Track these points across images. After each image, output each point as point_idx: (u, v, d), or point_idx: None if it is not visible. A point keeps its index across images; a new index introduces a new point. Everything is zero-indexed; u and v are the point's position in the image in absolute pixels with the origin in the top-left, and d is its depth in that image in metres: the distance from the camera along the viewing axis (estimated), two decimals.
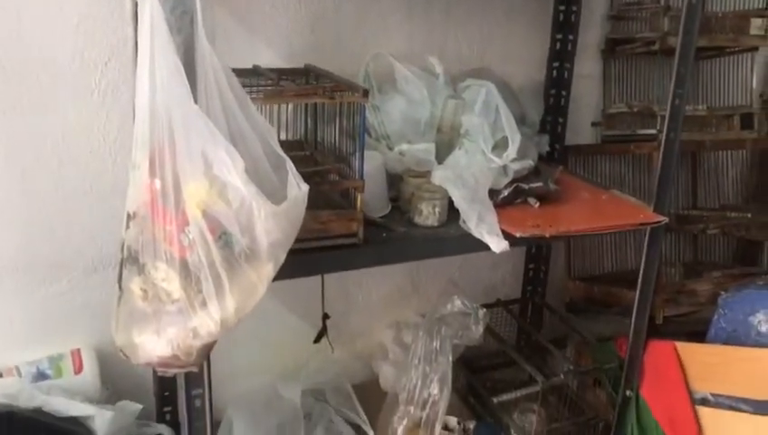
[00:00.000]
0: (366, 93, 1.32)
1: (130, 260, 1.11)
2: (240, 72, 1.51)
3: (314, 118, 1.59)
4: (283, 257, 1.13)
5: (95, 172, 1.61)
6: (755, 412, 1.66)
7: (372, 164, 1.52)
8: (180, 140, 1.04)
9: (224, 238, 1.06)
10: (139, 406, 1.61)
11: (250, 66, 1.56)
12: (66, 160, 1.58)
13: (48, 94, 1.52)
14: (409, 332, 1.95)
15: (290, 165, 1.14)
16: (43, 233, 1.60)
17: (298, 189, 1.13)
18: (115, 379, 1.72)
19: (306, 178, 1.17)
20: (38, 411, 1.48)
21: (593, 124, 2.08)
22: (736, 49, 2.03)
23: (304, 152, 1.60)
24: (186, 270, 1.08)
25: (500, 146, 1.64)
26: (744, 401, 1.68)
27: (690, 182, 2.22)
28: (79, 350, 1.65)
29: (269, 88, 1.33)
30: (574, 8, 1.91)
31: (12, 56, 1.47)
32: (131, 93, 1.54)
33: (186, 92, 1.05)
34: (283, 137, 1.59)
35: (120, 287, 1.15)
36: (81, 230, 1.63)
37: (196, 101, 1.07)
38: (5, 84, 1.48)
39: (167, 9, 1.09)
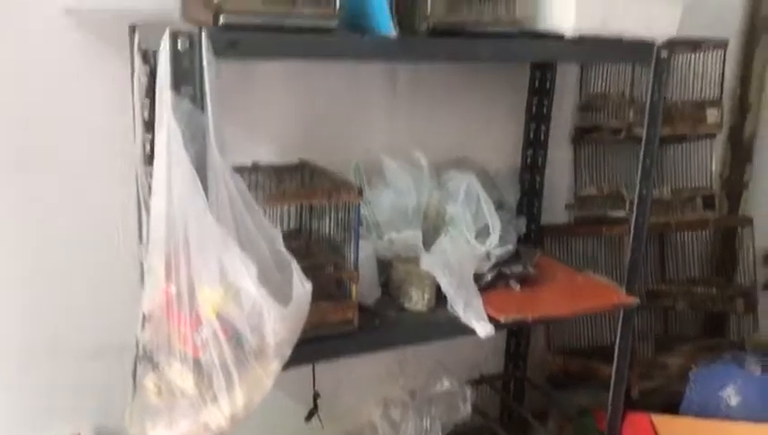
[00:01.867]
0: (360, 192, 1.43)
1: (145, 358, 1.19)
2: (241, 169, 1.63)
3: (309, 210, 1.69)
4: (288, 353, 1.22)
5: (99, 261, 1.69)
6: None
7: (364, 253, 1.62)
8: (196, 249, 1.13)
9: (235, 338, 1.15)
10: None
11: (249, 163, 1.67)
12: (74, 246, 1.65)
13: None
14: (397, 409, 2.02)
15: (295, 265, 1.23)
16: (47, 316, 1.66)
17: (302, 288, 1.22)
18: None
19: (305, 270, 1.27)
20: None
21: (567, 206, 2.21)
22: (696, 136, 2.19)
23: (300, 242, 1.69)
24: (199, 368, 1.15)
25: (482, 233, 1.76)
26: None
27: (658, 258, 2.35)
28: (80, 434, 1.69)
29: (271, 190, 1.43)
30: (546, 101, 2.06)
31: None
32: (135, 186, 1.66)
33: (202, 204, 1.15)
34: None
35: (134, 383, 1.22)
36: (83, 316, 1.69)
37: (209, 210, 1.16)
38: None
39: (182, 125, 1.20)
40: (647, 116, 1.70)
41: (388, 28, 1.32)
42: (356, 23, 1.41)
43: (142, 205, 1.59)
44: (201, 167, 1.21)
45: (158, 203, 1.20)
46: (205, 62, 1.19)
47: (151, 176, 1.55)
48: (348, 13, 1.34)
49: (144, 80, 1.51)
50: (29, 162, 1.58)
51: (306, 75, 1.77)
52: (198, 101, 1.21)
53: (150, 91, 1.51)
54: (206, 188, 1.20)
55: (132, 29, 1.48)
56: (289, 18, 1.28)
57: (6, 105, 1.54)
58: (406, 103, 1.94)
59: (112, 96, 1.62)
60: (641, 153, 1.73)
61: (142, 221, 1.63)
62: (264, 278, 1.20)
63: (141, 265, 1.47)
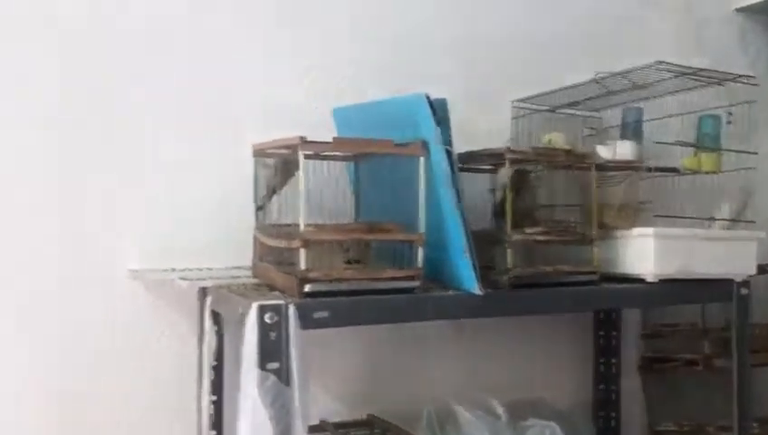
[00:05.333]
0: None
1: None
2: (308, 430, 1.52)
3: None
4: None
5: None
6: None
7: None
8: None
9: None
10: None
11: (316, 421, 1.57)
12: None
13: None
14: None
15: None
16: None
17: None
18: None
19: None
20: None
21: None
22: None
23: None
24: None
25: None
26: None
27: None
28: None
29: None
30: (614, 332, 1.98)
31: None
32: None
33: None
34: None
35: None
36: None
37: None
38: None
39: (267, 403, 1.12)
40: (735, 355, 1.61)
41: (473, 286, 1.28)
42: (432, 277, 1.37)
43: None
44: None
45: None
46: (291, 336, 1.13)
47: None
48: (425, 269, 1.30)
49: (214, 342, 1.46)
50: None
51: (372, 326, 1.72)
52: (284, 375, 1.14)
53: (218, 354, 1.47)
54: None
55: (203, 292, 1.45)
56: (374, 282, 1.24)
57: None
58: (472, 346, 1.87)
59: (177, 357, 1.57)
60: (735, 396, 1.61)
61: None
62: None
63: None
